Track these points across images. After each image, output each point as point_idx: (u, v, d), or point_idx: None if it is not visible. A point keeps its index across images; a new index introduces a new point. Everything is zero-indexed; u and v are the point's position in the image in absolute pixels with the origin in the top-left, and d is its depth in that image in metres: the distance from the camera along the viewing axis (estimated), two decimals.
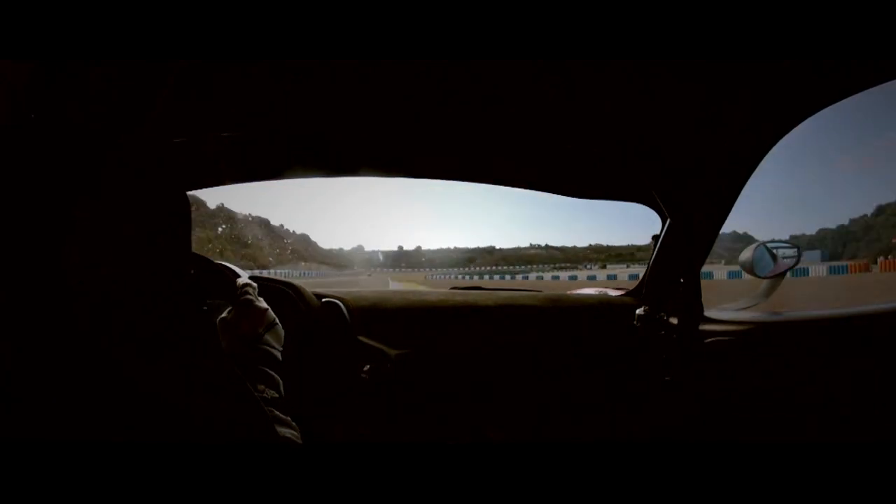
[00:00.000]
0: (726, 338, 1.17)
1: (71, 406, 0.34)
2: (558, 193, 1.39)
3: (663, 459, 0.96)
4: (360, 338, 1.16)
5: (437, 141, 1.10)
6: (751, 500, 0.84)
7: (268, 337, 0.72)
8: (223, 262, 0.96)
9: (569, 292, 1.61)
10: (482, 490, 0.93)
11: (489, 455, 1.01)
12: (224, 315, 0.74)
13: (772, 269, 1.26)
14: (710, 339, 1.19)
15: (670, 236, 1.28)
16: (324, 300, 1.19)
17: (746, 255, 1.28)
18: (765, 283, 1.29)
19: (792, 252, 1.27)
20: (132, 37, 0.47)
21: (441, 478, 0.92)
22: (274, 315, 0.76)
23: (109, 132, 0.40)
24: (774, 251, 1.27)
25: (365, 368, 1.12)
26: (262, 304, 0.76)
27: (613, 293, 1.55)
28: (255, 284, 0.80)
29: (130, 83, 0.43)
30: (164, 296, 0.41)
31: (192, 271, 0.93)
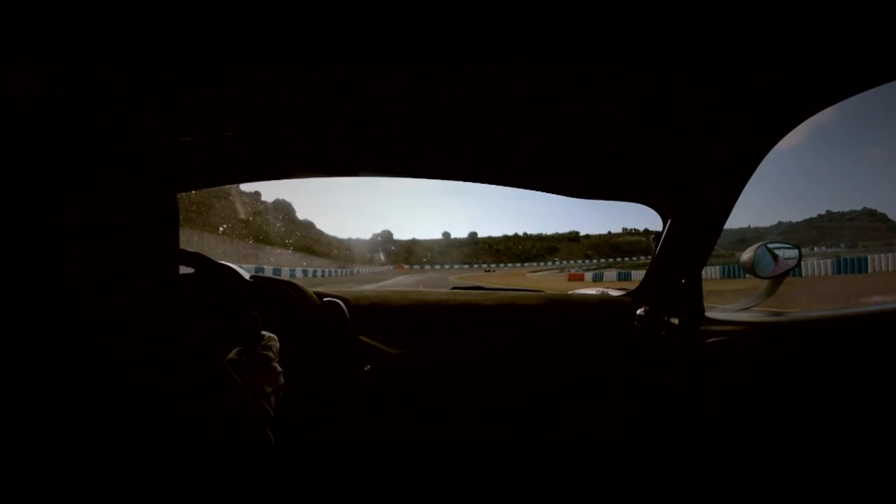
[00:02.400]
0: (727, 338, 1.17)
1: (71, 403, 0.34)
2: (559, 194, 1.39)
3: (663, 459, 0.96)
4: (361, 337, 1.16)
5: (438, 141, 1.10)
6: (751, 500, 0.84)
7: (272, 399, 0.72)
8: (225, 263, 0.97)
9: (569, 292, 1.61)
10: (482, 490, 0.93)
11: (489, 455, 1.02)
12: (232, 356, 0.75)
13: (772, 269, 1.26)
14: (710, 340, 1.19)
15: (671, 236, 1.28)
16: (325, 299, 1.19)
17: (747, 255, 1.27)
18: (765, 283, 1.29)
19: (793, 252, 1.27)
20: (133, 37, 0.47)
21: (441, 477, 0.93)
22: (283, 381, 0.77)
23: (109, 132, 0.40)
24: (775, 252, 1.27)
25: (365, 368, 1.12)
26: (278, 366, 0.77)
27: (614, 293, 1.55)
28: (276, 340, 0.81)
29: (130, 83, 0.43)
30: (156, 294, 0.41)
31: (194, 271, 0.93)
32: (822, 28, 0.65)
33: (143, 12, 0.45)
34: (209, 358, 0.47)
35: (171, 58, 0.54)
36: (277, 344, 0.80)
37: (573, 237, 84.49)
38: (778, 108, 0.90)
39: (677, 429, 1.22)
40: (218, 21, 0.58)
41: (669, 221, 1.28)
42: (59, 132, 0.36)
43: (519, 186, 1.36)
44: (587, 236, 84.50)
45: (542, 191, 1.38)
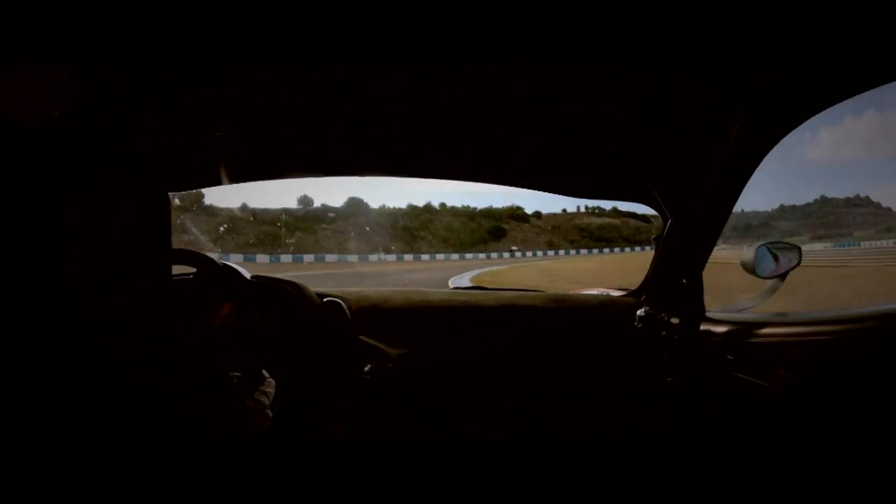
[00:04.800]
0: (727, 338, 1.17)
1: (71, 403, 0.34)
2: (560, 193, 1.40)
3: (663, 459, 0.96)
4: (362, 337, 1.16)
5: (438, 141, 1.10)
6: (751, 500, 0.84)
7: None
8: (228, 263, 0.97)
9: (570, 292, 1.61)
10: (482, 490, 0.93)
11: (489, 455, 1.02)
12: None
13: (773, 269, 1.26)
14: (710, 340, 1.19)
15: (672, 236, 1.28)
16: (326, 299, 1.19)
17: (748, 255, 1.27)
18: (767, 283, 1.28)
19: (794, 252, 1.27)
20: (133, 37, 0.47)
21: (441, 478, 0.93)
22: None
23: (109, 132, 0.40)
24: (776, 251, 1.27)
25: (366, 368, 1.12)
26: (270, 412, 0.79)
27: (615, 293, 1.55)
28: (273, 385, 0.82)
29: (130, 83, 0.43)
30: (156, 294, 0.41)
31: (196, 270, 0.94)
32: (822, 28, 0.65)
33: (143, 12, 0.45)
34: (209, 358, 0.47)
35: (171, 58, 0.54)
36: (274, 390, 0.81)
37: (519, 215, 56.46)
38: (778, 108, 0.90)
39: (677, 429, 1.21)
40: (218, 21, 0.58)
41: (669, 221, 1.28)
42: (59, 132, 0.36)
43: (519, 186, 1.37)
44: (538, 214, 57.07)
45: (543, 191, 1.38)
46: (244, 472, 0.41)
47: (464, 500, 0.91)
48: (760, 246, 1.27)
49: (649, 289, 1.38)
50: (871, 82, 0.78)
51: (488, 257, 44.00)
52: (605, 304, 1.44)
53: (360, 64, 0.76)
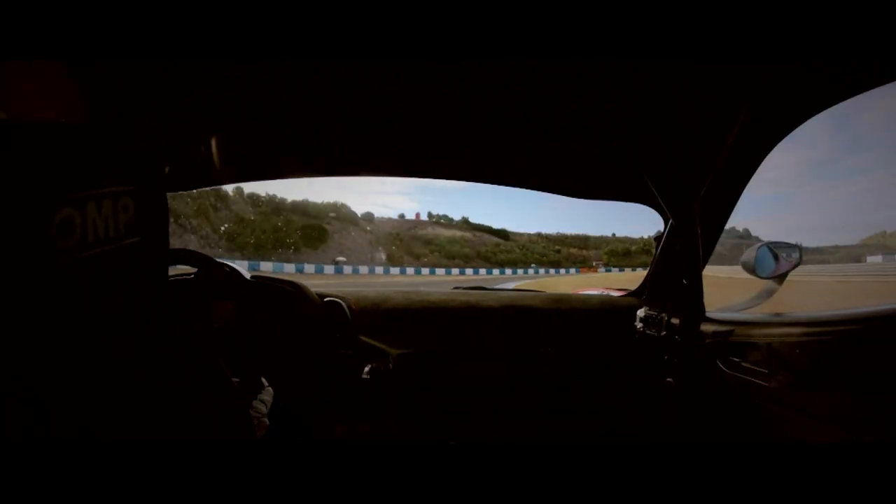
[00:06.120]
0: (727, 338, 1.17)
1: (71, 403, 0.34)
2: (560, 194, 1.40)
3: (663, 459, 0.96)
4: (362, 337, 1.16)
5: (439, 141, 1.10)
6: (751, 500, 0.84)
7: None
8: (228, 262, 0.97)
9: (571, 292, 1.61)
10: (482, 490, 0.93)
11: (490, 455, 1.02)
12: None
13: (773, 269, 1.26)
14: (710, 340, 1.19)
15: (672, 237, 1.28)
16: (326, 299, 1.20)
17: (748, 255, 1.27)
18: (767, 283, 1.28)
19: (795, 252, 1.27)
20: (133, 37, 0.47)
21: (442, 478, 0.92)
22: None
23: (109, 132, 0.40)
24: (777, 251, 1.27)
25: (366, 368, 1.13)
26: (267, 420, 0.81)
27: (616, 294, 1.55)
28: (272, 394, 0.83)
29: (130, 83, 0.43)
30: (155, 295, 0.41)
31: (196, 270, 0.94)
32: (822, 28, 0.65)
33: (143, 12, 0.45)
34: (209, 358, 0.47)
35: (171, 58, 0.55)
36: (271, 398, 0.82)
37: (345, 215, 42.02)
38: (778, 108, 0.90)
39: (678, 429, 1.21)
40: (218, 21, 0.58)
41: (670, 222, 1.28)
42: (59, 132, 0.36)
43: (519, 186, 1.36)
44: (370, 216, 44.70)
45: (544, 191, 1.38)
46: (244, 472, 0.41)
47: (463, 501, 0.91)
48: (761, 246, 1.27)
49: (649, 289, 1.38)
50: (871, 82, 0.77)
51: (300, 271, 28.51)
52: (606, 304, 1.44)
53: (360, 64, 0.76)
